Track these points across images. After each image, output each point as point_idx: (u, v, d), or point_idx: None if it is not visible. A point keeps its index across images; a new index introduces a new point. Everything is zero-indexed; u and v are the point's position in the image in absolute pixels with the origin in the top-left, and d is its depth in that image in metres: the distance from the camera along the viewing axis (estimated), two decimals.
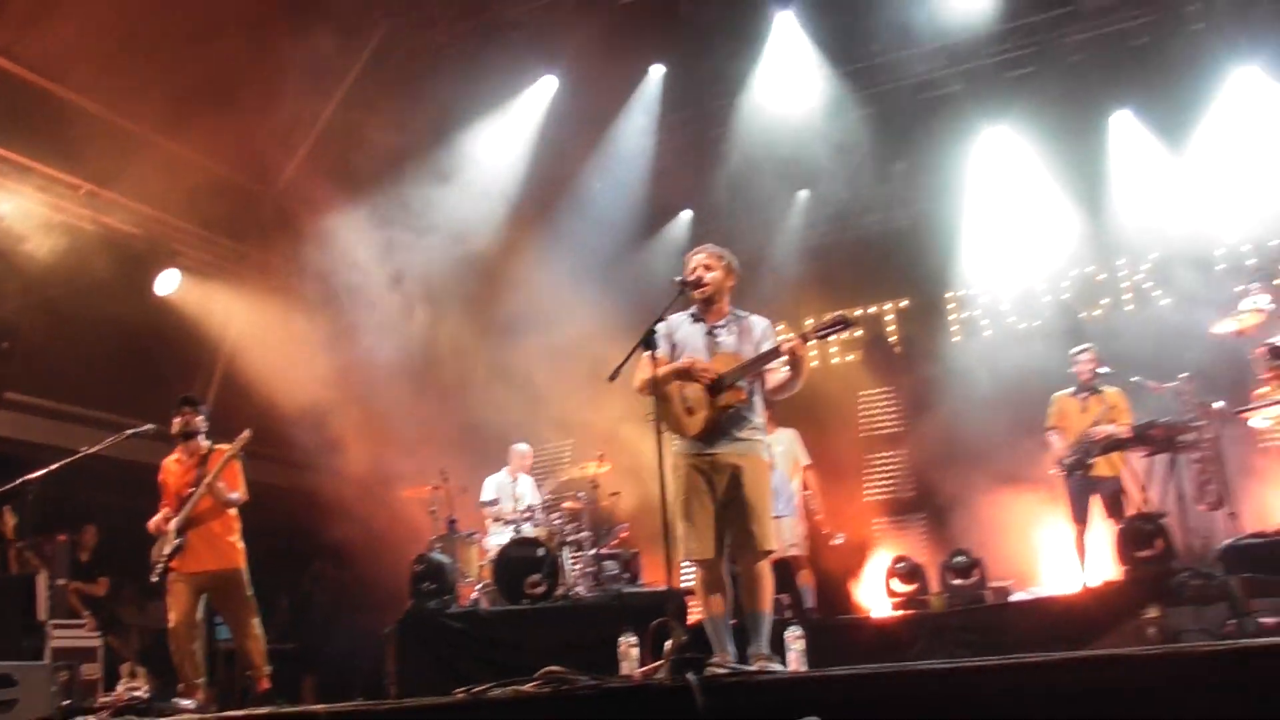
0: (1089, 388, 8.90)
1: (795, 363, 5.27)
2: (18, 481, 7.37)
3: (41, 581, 8.83)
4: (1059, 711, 3.54)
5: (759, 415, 5.50)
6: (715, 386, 5.31)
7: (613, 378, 5.14)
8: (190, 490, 7.35)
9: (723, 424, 5.33)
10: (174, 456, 7.72)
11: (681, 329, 5.53)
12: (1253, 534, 7.30)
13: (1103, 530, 8.83)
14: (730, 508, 5.31)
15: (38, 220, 9.66)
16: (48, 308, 9.59)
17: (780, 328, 10.73)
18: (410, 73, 11.55)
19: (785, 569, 9.31)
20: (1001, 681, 3.75)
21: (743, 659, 5.17)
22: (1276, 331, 8.07)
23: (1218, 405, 8.38)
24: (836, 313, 5.23)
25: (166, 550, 7.26)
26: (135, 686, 8.45)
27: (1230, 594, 6.85)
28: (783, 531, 9.24)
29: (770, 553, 5.40)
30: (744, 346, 5.43)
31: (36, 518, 8.97)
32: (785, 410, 9.00)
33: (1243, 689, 3.42)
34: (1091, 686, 3.63)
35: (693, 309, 5.59)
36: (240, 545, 7.58)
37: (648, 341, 5.05)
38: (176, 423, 7.65)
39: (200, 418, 7.67)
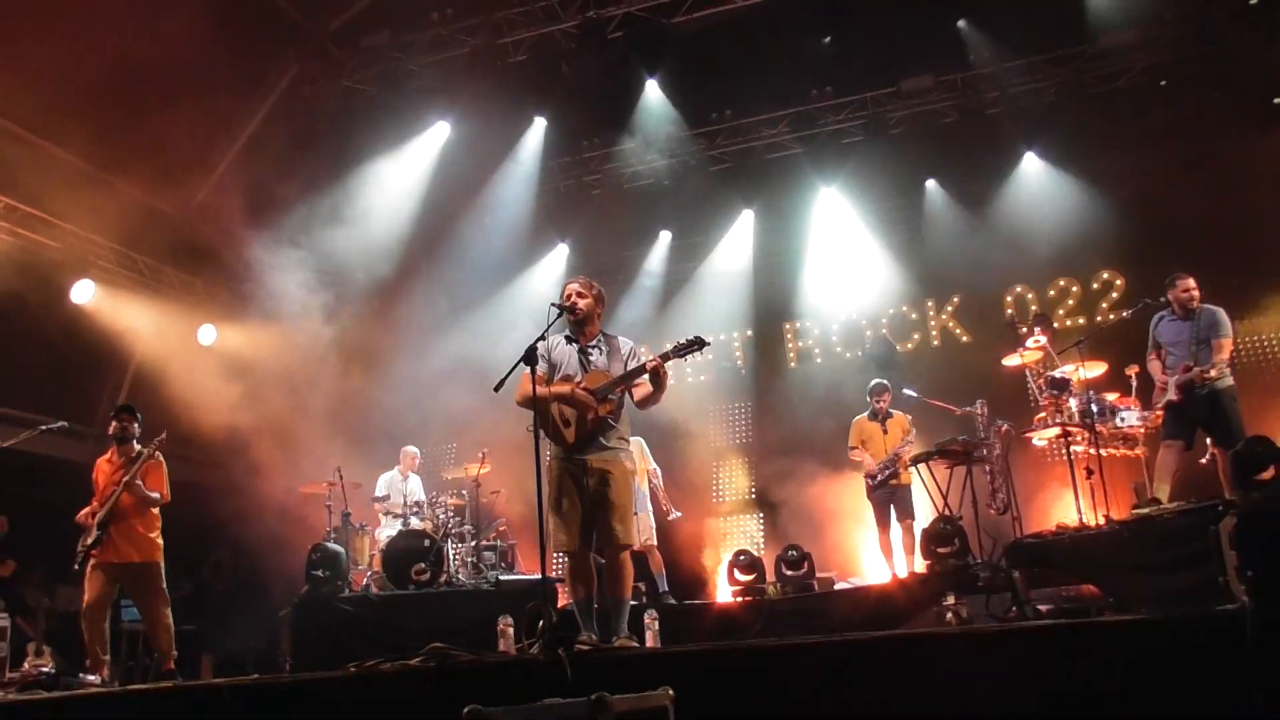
0: (885, 414, 9.22)
1: (657, 379, 5.33)
2: None
3: None
4: (874, 680, 3.67)
5: (625, 426, 5.54)
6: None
7: (497, 389, 5.11)
8: (115, 486, 7.05)
9: (593, 433, 5.35)
10: (106, 456, 7.41)
11: (558, 348, 5.54)
12: (1032, 535, 7.58)
13: (898, 530, 9.12)
14: (597, 507, 5.32)
15: None
16: None
17: (644, 349, 10.87)
18: (317, 112, 11.30)
19: (641, 559, 9.36)
20: (827, 656, 3.87)
21: (605, 639, 5.18)
22: (1053, 366, 8.47)
23: (1005, 426, 8.76)
24: (693, 335, 5.28)
25: (89, 541, 6.99)
26: (42, 664, 8.03)
27: (1013, 585, 7.14)
28: (640, 526, 9.29)
29: (630, 547, 5.43)
30: (613, 364, 5.48)
31: None
32: (645, 422, 9.12)
33: (1021, 661, 3.61)
34: (901, 659, 3.78)
35: (567, 331, 5.61)
36: (159, 541, 7.29)
37: (529, 359, 5.04)
38: (114, 427, 7.33)
39: (135, 424, 7.36)
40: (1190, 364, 7.29)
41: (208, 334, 11.40)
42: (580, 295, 5.54)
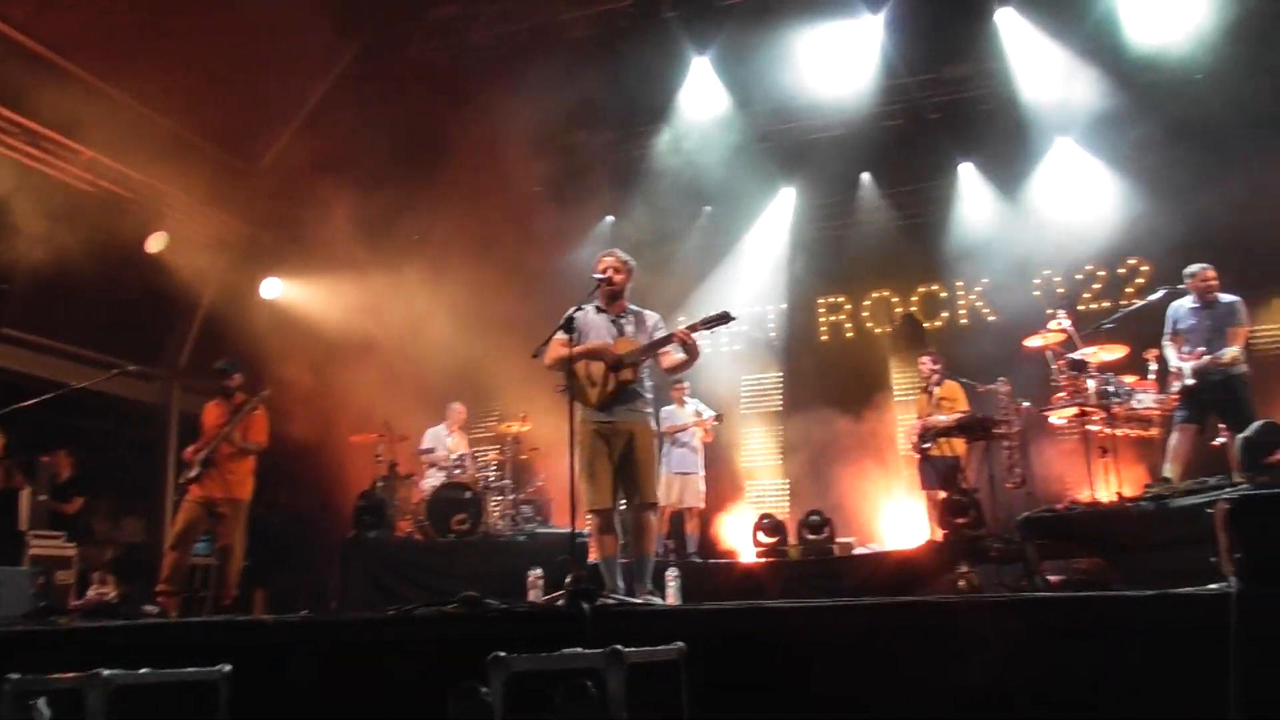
0: (934, 384, 9.12)
1: (688, 348, 5.32)
2: (10, 408, 7.19)
3: (24, 496, 8.57)
4: (884, 643, 3.66)
5: (649, 392, 5.56)
6: (616, 365, 5.35)
7: (536, 355, 5.14)
8: (219, 430, 7.45)
9: (620, 397, 5.36)
10: (215, 400, 7.79)
11: (589, 317, 5.55)
12: (1045, 509, 7.47)
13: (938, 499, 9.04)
14: (625, 466, 5.34)
15: (42, 179, 9.32)
16: (47, 255, 9.21)
17: (681, 319, 10.91)
18: (384, 79, 11.28)
19: (678, 518, 9.43)
20: (836, 618, 3.85)
21: (630, 593, 5.22)
22: (1075, 348, 8.33)
23: (1025, 405, 8.64)
24: (721, 310, 5.26)
25: (190, 475, 7.37)
26: (105, 591, 8.27)
27: (1025, 557, 7.09)
28: (690, 488, 9.35)
29: (655, 505, 5.45)
30: (640, 335, 5.50)
31: (26, 440, 8.66)
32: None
33: (1029, 630, 3.58)
34: (911, 624, 3.76)
35: (598, 302, 5.60)
36: (249, 483, 7.62)
37: (566, 327, 5.06)
38: (219, 382, 7.74)
39: (235, 378, 7.74)
40: (1204, 350, 7.20)
41: (272, 287, 11.54)
42: (616, 270, 5.55)
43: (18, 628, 5.21)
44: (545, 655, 2.96)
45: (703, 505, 9.57)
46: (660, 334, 5.45)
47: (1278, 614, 3.08)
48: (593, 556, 5.45)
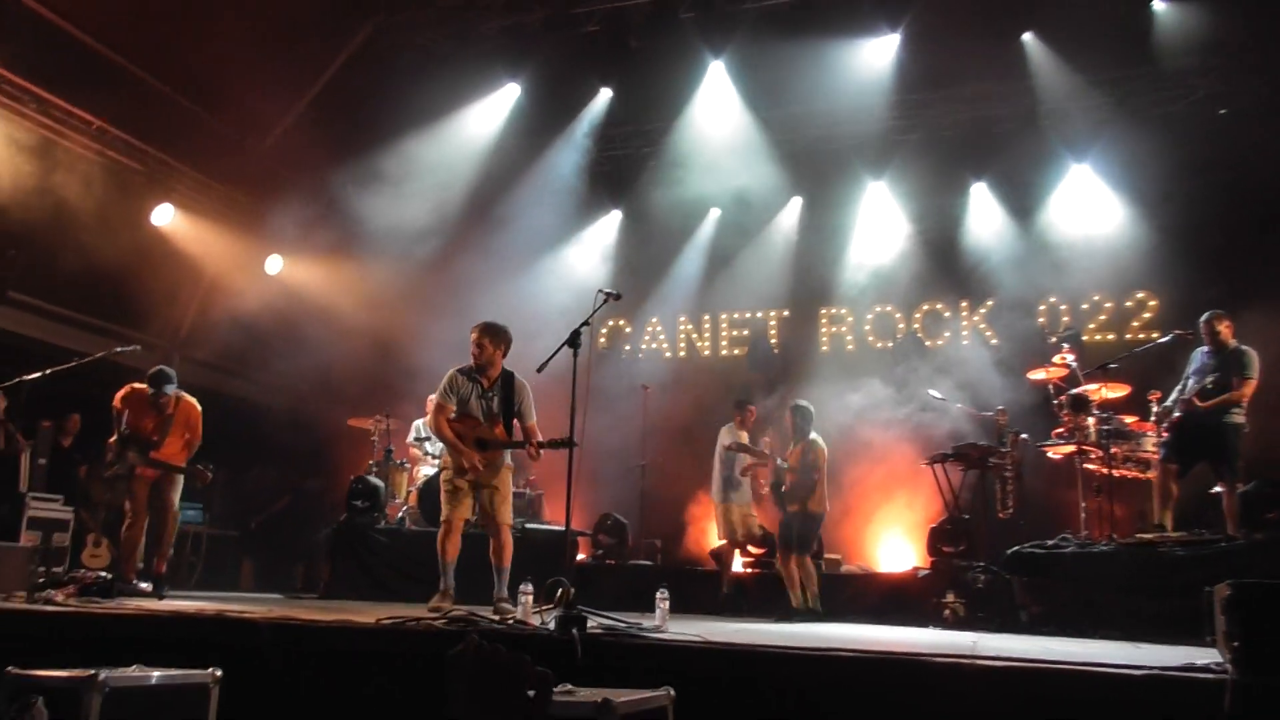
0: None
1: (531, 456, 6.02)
2: (15, 380, 7.29)
3: (24, 459, 8.63)
4: (866, 694, 3.70)
5: (509, 457, 6.22)
6: (481, 445, 6.02)
7: (540, 370, 5.23)
8: (153, 433, 7.46)
9: (488, 467, 6.06)
10: (144, 399, 7.52)
11: (464, 386, 6.10)
12: (1034, 544, 7.53)
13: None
14: (485, 501, 6.12)
15: (51, 147, 9.33)
16: (54, 223, 9.24)
17: (682, 319, 11.01)
18: (393, 64, 11.25)
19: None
20: (823, 665, 3.89)
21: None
22: (1077, 384, 8.35)
23: (1023, 436, 8.66)
24: (564, 436, 5.34)
25: (121, 470, 7.41)
26: (98, 557, 8.37)
27: (1010, 591, 7.16)
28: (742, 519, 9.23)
29: (510, 524, 6.18)
30: (504, 409, 6.07)
31: (28, 403, 8.70)
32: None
33: (1012, 699, 3.59)
34: (895, 680, 3.78)
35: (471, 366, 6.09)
36: (184, 454, 7.62)
37: (572, 342, 5.16)
38: (155, 387, 7.50)
39: (168, 387, 7.52)
40: (1199, 394, 7.32)
41: (274, 263, 11.55)
42: (479, 346, 6.05)
43: (14, 605, 5.27)
44: None
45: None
46: (521, 406, 6.07)
47: (1273, 706, 3.09)
48: (449, 556, 6.06)
